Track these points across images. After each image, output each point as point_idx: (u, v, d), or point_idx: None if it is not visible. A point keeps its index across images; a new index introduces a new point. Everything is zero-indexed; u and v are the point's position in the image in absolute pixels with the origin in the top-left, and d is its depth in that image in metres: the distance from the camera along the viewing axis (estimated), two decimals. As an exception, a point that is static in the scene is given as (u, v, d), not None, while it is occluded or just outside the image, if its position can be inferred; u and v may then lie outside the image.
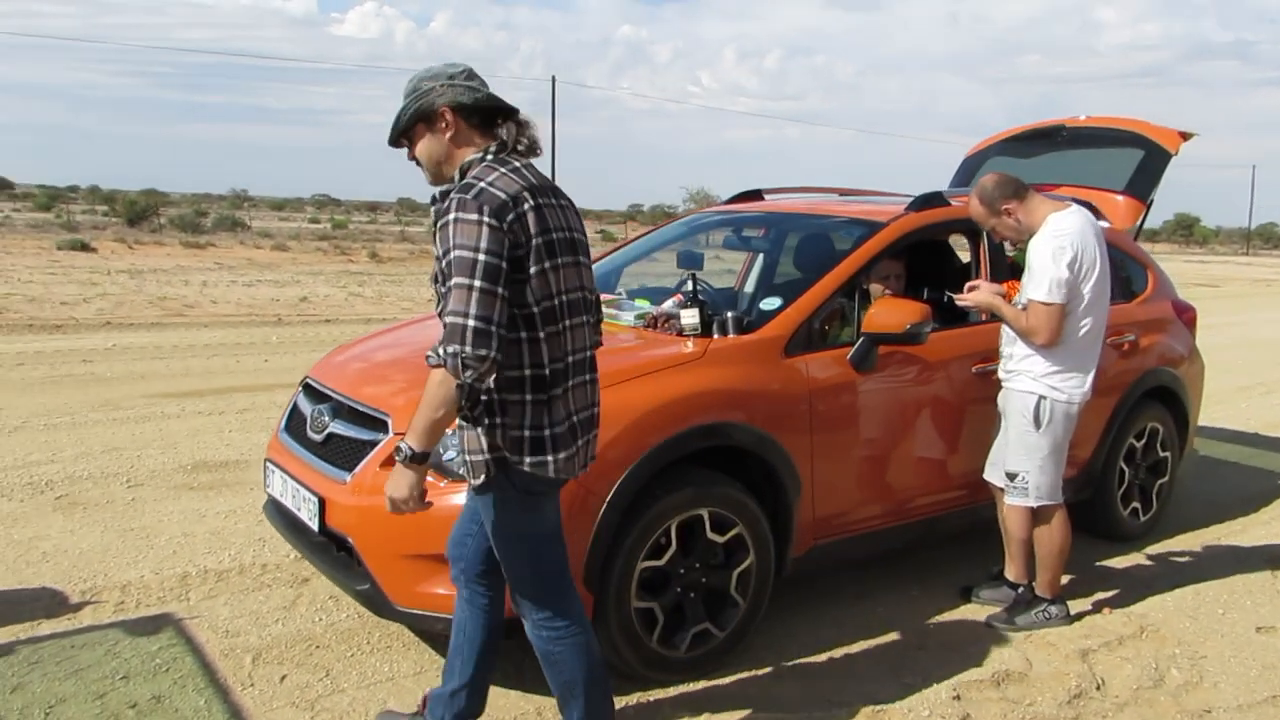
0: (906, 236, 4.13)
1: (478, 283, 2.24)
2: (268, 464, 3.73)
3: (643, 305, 3.96)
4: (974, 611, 4.12)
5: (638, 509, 3.18)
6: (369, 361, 3.87)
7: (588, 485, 3.07)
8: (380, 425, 3.27)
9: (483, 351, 2.24)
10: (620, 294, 4.20)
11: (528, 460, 2.42)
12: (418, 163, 2.52)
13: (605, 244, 41.68)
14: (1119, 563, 4.75)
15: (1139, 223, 5.46)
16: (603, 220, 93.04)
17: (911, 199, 4.34)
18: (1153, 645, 3.76)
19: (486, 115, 2.49)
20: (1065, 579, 4.20)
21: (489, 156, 2.43)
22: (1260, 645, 3.83)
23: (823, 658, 3.64)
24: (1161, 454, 5.13)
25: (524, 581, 2.61)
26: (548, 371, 2.41)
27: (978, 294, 3.87)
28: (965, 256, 4.71)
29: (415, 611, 3.12)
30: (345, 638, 3.63)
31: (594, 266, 4.93)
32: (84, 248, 23.38)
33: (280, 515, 3.66)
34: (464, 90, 2.45)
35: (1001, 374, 3.91)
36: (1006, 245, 4.34)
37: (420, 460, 2.40)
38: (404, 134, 2.49)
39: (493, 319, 2.25)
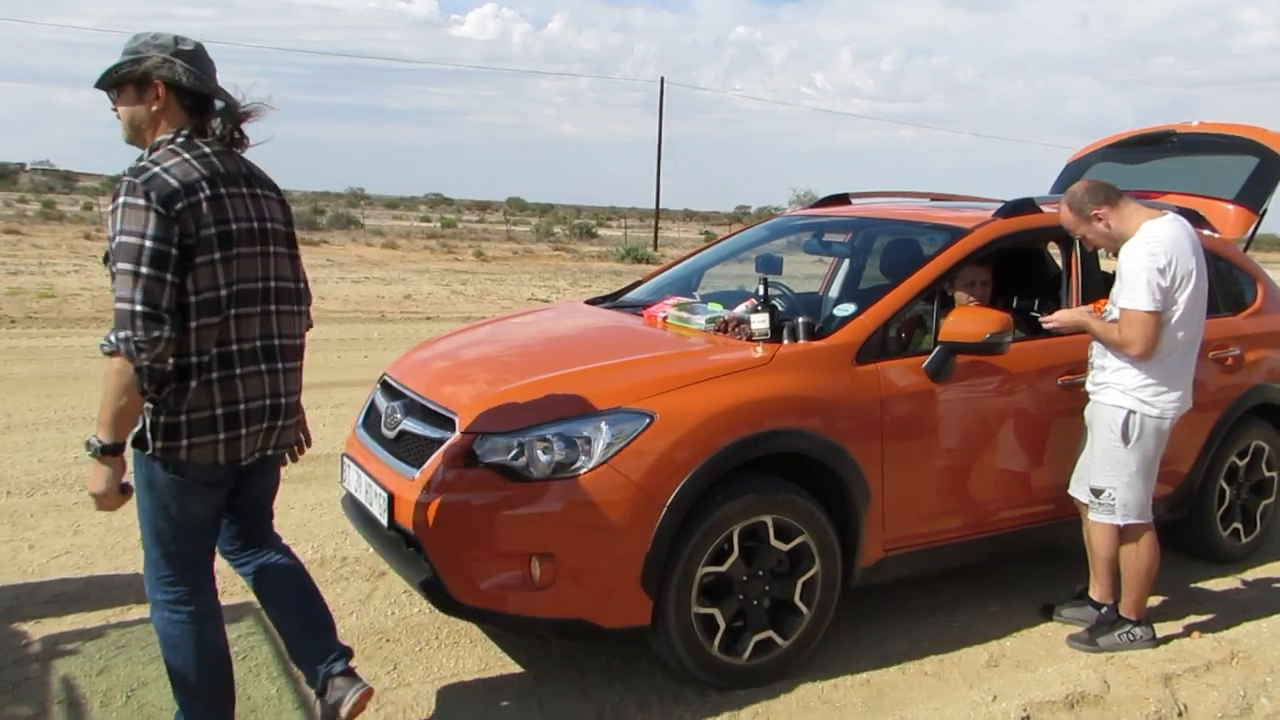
0: (993, 243, 4.01)
1: (144, 269, 2.26)
2: (344, 459, 3.84)
3: (715, 309, 3.94)
4: (1055, 630, 3.98)
5: (699, 514, 3.17)
6: (445, 360, 3.95)
7: (648, 488, 3.08)
8: (449, 424, 3.33)
9: (155, 334, 2.26)
10: (695, 298, 4.20)
11: (161, 445, 2.42)
12: (118, 115, 2.50)
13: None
14: (1214, 585, 4.52)
15: (1250, 233, 5.20)
16: (709, 221, 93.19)
17: (1000, 205, 4.21)
18: (1242, 672, 3.57)
19: (200, 100, 2.49)
20: (1154, 600, 4.03)
21: (178, 140, 2.43)
22: (1363, 679, 3.59)
23: (891, 670, 3.57)
24: (1267, 474, 4.87)
25: (157, 562, 2.60)
26: (193, 360, 2.40)
27: (1064, 314, 3.74)
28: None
29: (477, 607, 3.17)
30: (415, 632, 3.72)
31: (678, 269, 4.99)
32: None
33: (355, 509, 3.77)
34: (184, 72, 2.43)
35: (1090, 386, 3.77)
36: (1101, 254, 4.18)
37: (112, 452, 2.36)
38: (114, 86, 2.48)
39: (160, 304, 2.27)
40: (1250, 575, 4.66)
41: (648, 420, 3.14)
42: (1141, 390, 3.56)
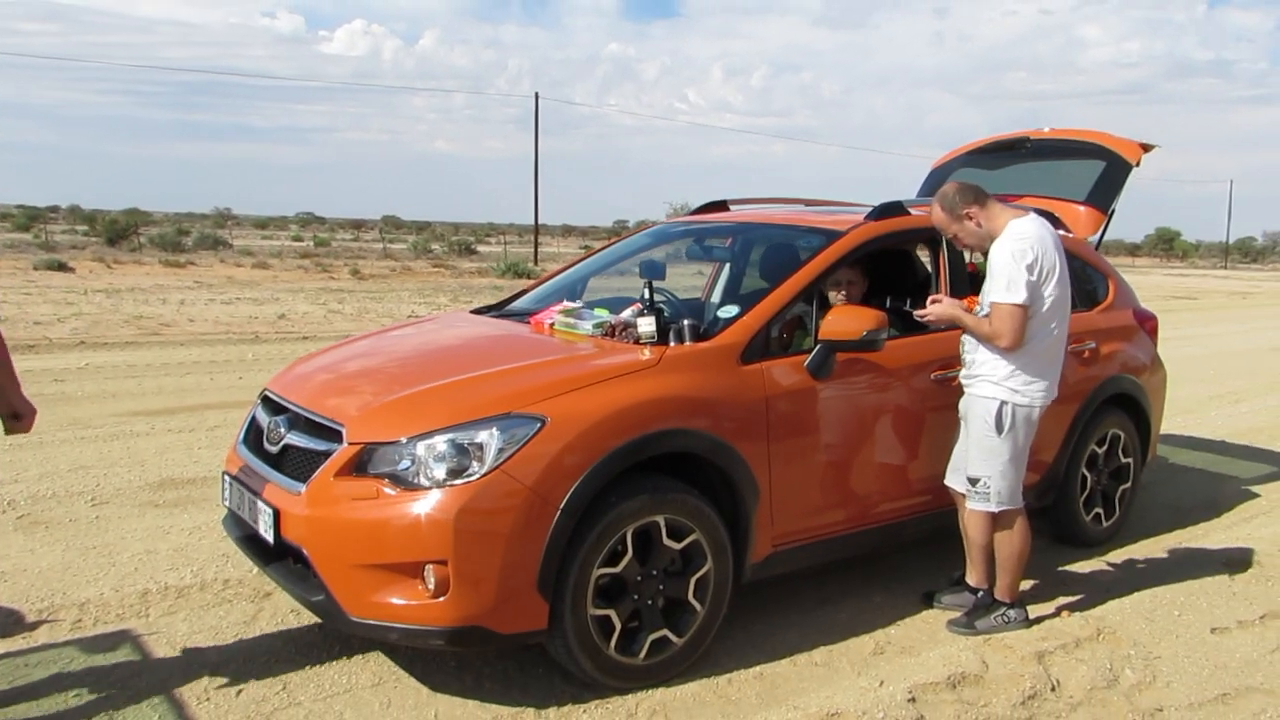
0: (865, 245, 4.16)
1: None
2: (225, 477, 3.72)
3: (601, 315, 3.97)
4: (936, 617, 4.14)
5: (593, 516, 3.19)
6: (329, 373, 3.87)
7: (542, 492, 3.09)
8: (335, 435, 3.27)
9: None
10: (580, 304, 4.22)
11: None
12: None
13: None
14: (1081, 568, 4.78)
15: (1100, 232, 5.53)
16: (588, 236, 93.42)
17: (871, 209, 4.38)
18: (1108, 647, 3.78)
19: None
20: (1027, 584, 4.24)
21: None
22: (1213, 645, 3.85)
23: (783, 662, 3.65)
24: (1124, 460, 5.17)
25: None
26: None
27: (938, 307, 3.90)
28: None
29: (370, 621, 3.11)
30: (305, 651, 3.62)
31: (560, 277, 5.01)
32: (61, 267, 23.26)
33: (238, 528, 3.66)
34: None
35: (963, 379, 3.94)
36: (967, 254, 4.39)
37: None
38: None
39: None
40: (1112, 557, 4.94)
41: (539, 424, 3.14)
42: (1012, 380, 3.75)
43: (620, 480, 3.26)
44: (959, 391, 4.07)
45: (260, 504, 3.38)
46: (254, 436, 3.75)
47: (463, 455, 3.09)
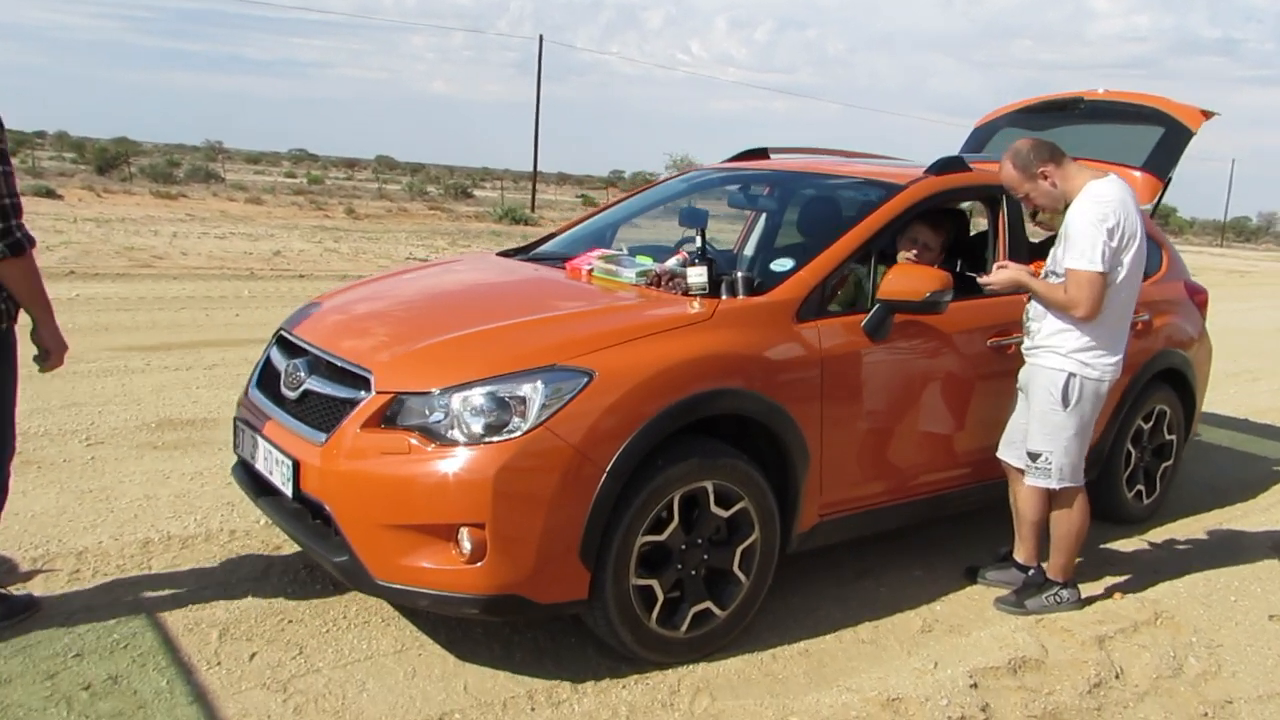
0: (926, 200, 3.89)
1: None
2: (237, 423, 3.47)
3: (645, 262, 3.70)
4: (980, 593, 3.94)
5: (639, 480, 2.95)
6: (349, 314, 3.60)
7: (588, 452, 2.85)
8: (361, 382, 3.01)
9: None
10: (621, 249, 3.94)
11: None
12: None
13: (585, 208, 41.25)
14: (1124, 546, 4.59)
15: (1156, 201, 5.26)
16: (584, 185, 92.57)
17: (931, 162, 4.10)
18: (1168, 633, 3.60)
19: None
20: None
21: None
22: (1274, 634, 3.67)
23: (828, 638, 3.45)
24: (1168, 437, 4.97)
25: None
26: None
27: (1005, 272, 3.65)
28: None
29: (398, 586, 2.88)
30: (320, 612, 3.39)
31: (589, 223, 4.73)
32: (49, 194, 22.75)
33: (251, 479, 3.41)
34: None
35: (1026, 350, 3.71)
36: (1033, 217, 4.13)
37: None
38: None
39: None
40: (1154, 536, 4.75)
41: (586, 379, 2.89)
42: (1082, 353, 3.51)
43: (668, 442, 3.01)
44: (1014, 360, 3.85)
45: (277, 453, 3.13)
46: (269, 380, 3.49)
47: (503, 409, 2.84)
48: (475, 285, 3.89)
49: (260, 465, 3.26)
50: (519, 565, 2.83)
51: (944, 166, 4.06)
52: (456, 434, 2.83)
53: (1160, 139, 5.23)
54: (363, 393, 2.98)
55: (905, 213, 3.81)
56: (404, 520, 2.84)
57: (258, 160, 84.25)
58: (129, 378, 6.59)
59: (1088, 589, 3.93)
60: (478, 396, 2.85)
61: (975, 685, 3.07)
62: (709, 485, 3.12)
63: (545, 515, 2.82)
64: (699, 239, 3.49)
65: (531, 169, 43.28)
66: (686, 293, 3.42)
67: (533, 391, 2.84)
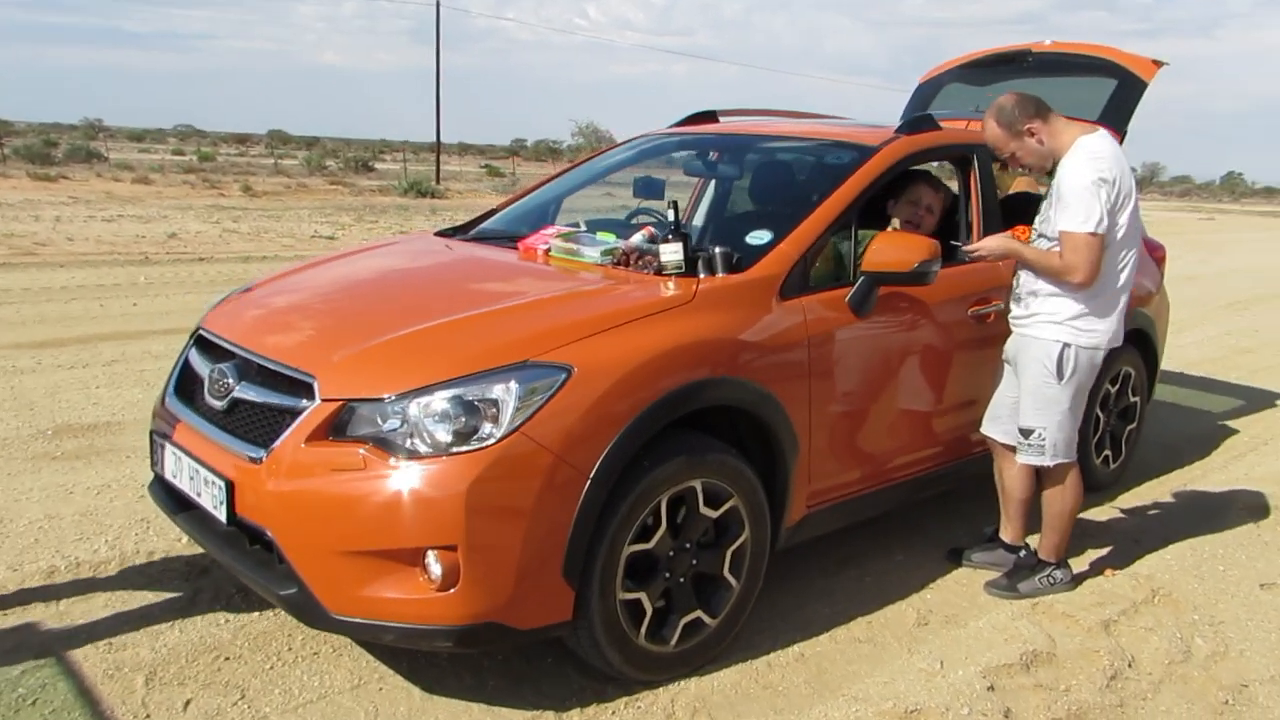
0: (902, 162, 3.64)
1: None
2: (155, 437, 3.03)
3: (608, 239, 3.37)
4: (968, 577, 3.75)
5: (625, 484, 2.64)
6: (280, 307, 3.18)
7: (570, 457, 2.52)
8: (303, 389, 2.62)
9: None
10: (579, 226, 3.59)
11: None
12: None
13: (491, 179, 40.36)
14: (1097, 515, 4.46)
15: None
16: (485, 155, 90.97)
17: (901, 122, 3.84)
18: (1170, 611, 3.45)
19: None
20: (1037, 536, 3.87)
21: None
22: (1269, 606, 3.57)
23: (822, 639, 3.20)
24: (1132, 399, 4.86)
25: None
26: None
27: (991, 240, 3.43)
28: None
29: (357, 620, 2.52)
30: (261, 645, 3.00)
31: (530, 198, 4.36)
32: (-85, 180, 21.18)
33: (173, 500, 2.99)
34: None
35: (1015, 321, 3.49)
36: (1003, 168, 3.91)
37: None
38: None
39: None
40: (1123, 502, 4.64)
41: (564, 375, 2.56)
42: (1077, 320, 3.31)
43: (653, 440, 2.70)
44: (994, 329, 3.65)
45: (206, 473, 2.72)
46: (189, 387, 3.06)
47: (472, 414, 2.49)
48: (421, 271, 3.48)
49: (185, 486, 2.84)
50: (497, 589, 2.49)
51: (915, 125, 3.81)
52: (419, 444, 2.48)
53: (1114, 91, 5.07)
54: (305, 401, 2.59)
55: (882, 176, 3.54)
56: (361, 545, 2.47)
57: (141, 138, 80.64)
58: (17, 379, 5.98)
59: (1075, 566, 3.77)
60: (442, 401, 2.49)
61: (992, 688, 2.86)
62: (697, 484, 2.83)
63: (525, 531, 2.49)
64: (672, 211, 3.15)
65: (433, 140, 42.21)
66: (659, 272, 3.10)
67: (505, 393, 2.50)
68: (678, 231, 3.08)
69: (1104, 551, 3.98)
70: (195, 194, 23.76)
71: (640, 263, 3.18)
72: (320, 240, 15.06)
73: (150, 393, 5.74)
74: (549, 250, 3.40)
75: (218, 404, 2.81)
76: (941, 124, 3.93)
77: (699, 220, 4.76)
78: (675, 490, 2.78)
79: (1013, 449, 3.59)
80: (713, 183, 4.82)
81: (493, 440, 2.46)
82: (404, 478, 2.44)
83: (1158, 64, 5.13)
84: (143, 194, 22.60)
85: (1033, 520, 3.69)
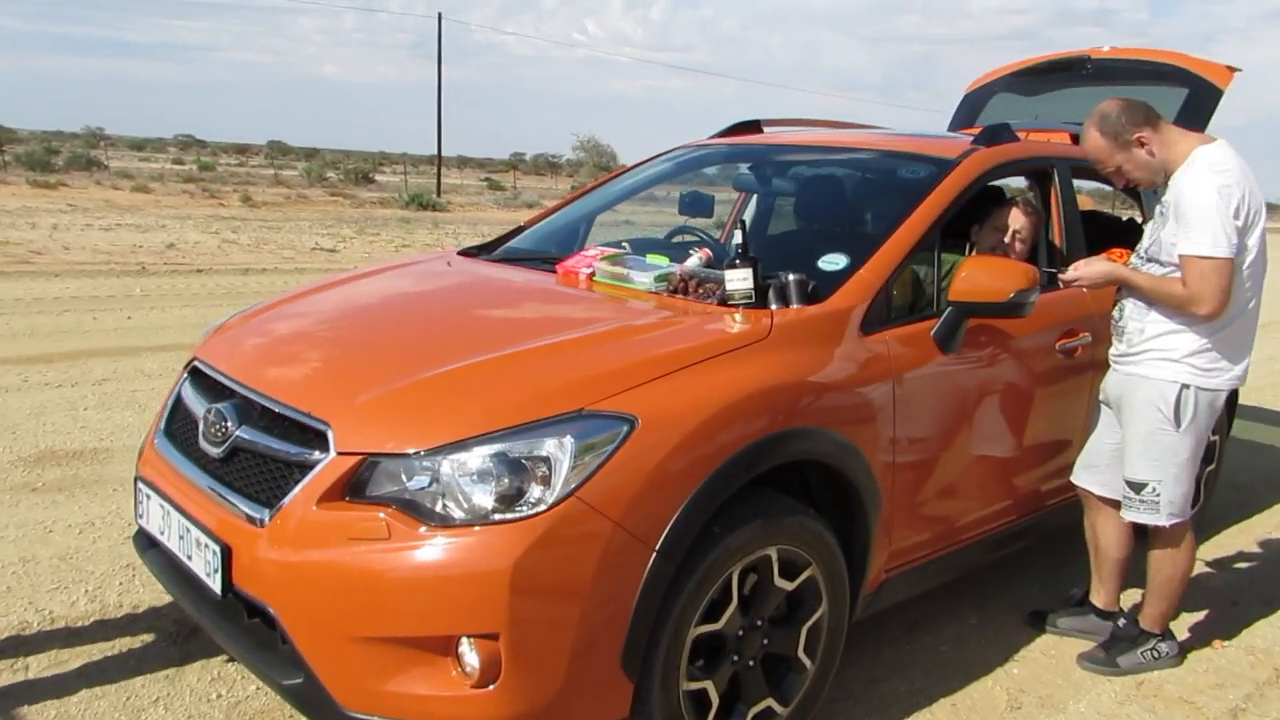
0: (984, 177, 3.23)
1: None
2: (140, 485, 2.62)
3: (660, 263, 2.96)
4: (1055, 646, 3.35)
5: (694, 555, 2.23)
6: (288, 337, 2.77)
7: (634, 526, 2.11)
8: (315, 438, 2.21)
9: None
10: (625, 247, 3.17)
11: None
12: None
13: (492, 192, 39.95)
14: (1182, 569, 4.03)
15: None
16: (484, 168, 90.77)
17: (978, 133, 3.44)
18: (1299, 695, 3.04)
19: None
20: (1128, 594, 3.46)
21: None
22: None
23: (904, 727, 2.78)
24: (1211, 437, 4.44)
25: None
26: None
27: (1094, 266, 3.03)
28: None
29: (374, 718, 2.10)
30: (259, 727, 2.59)
31: (560, 215, 3.95)
32: (-90, 185, 20.79)
33: (162, 559, 2.57)
34: None
35: (1119, 358, 3.09)
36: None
37: None
38: None
39: None
40: (1206, 554, 4.22)
41: (626, 427, 2.15)
42: (1198, 358, 2.90)
43: (726, 503, 2.29)
44: (1083, 365, 3.27)
45: (198, 533, 2.31)
46: (182, 428, 2.65)
47: (518, 475, 2.08)
48: (449, 297, 3.06)
49: (173, 546, 2.43)
50: (544, 685, 2.08)
51: (993, 136, 3.41)
52: (454, 510, 2.07)
53: (1186, 101, 4.68)
54: (318, 453, 2.18)
55: (964, 192, 3.14)
56: (382, 631, 2.06)
57: (142, 147, 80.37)
58: (1, 398, 5.57)
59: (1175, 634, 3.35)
60: (482, 458, 2.08)
61: (1119, 796, 2.44)
62: (773, 552, 2.42)
63: (579, 615, 2.07)
64: (740, 233, 2.73)
65: (431, 152, 41.97)
66: (724, 302, 2.69)
67: (558, 449, 2.09)
68: (746, 256, 2.67)
69: (1200, 616, 3.57)
70: (194, 203, 23.40)
71: (701, 291, 2.77)
72: (321, 252, 14.68)
73: (142, 415, 5.33)
74: (593, 275, 2.99)
75: (214, 451, 2.39)
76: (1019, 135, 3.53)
77: (739, 236, 4.34)
78: (749, 560, 2.37)
79: (1112, 503, 3.19)
80: (754, 199, 4.42)
81: (543, 506, 2.04)
82: (436, 551, 2.02)
83: (1232, 70, 4.74)
84: (142, 203, 22.24)
85: (1129, 580, 3.29)
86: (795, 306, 2.65)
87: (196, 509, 2.35)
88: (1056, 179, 3.55)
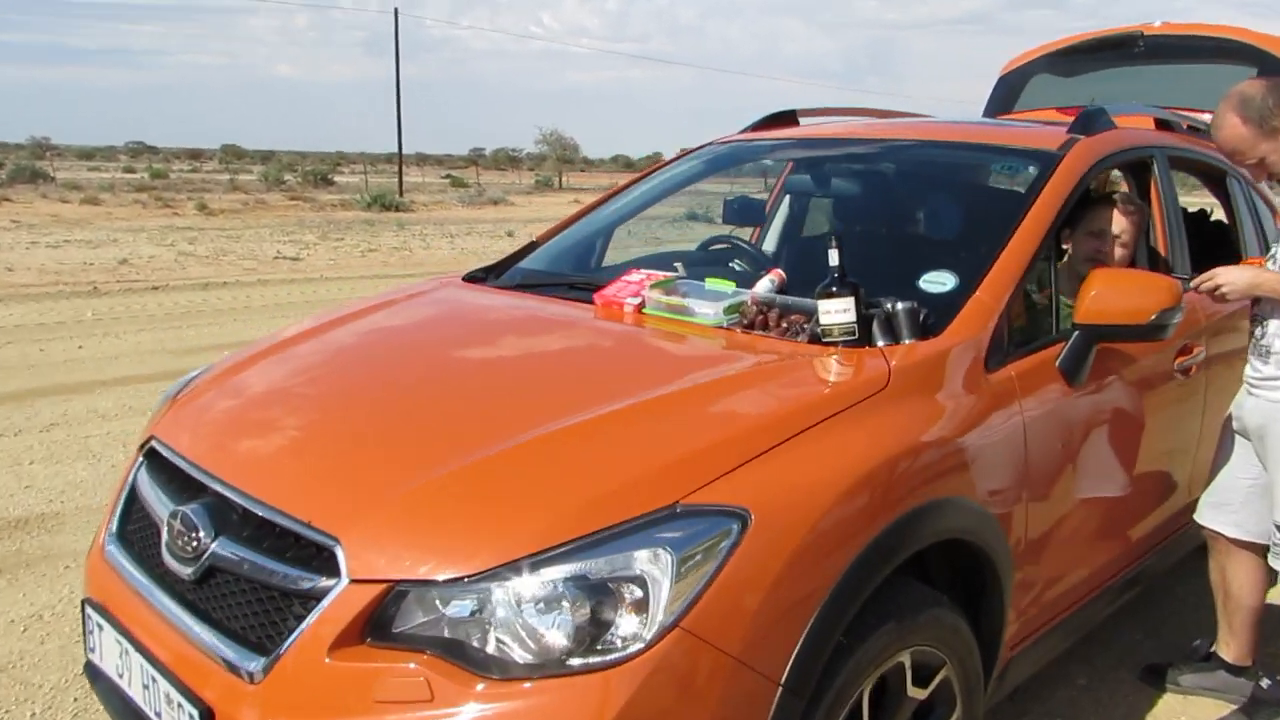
0: (1091, 172, 2.73)
1: None
2: (89, 611, 2.04)
3: (723, 289, 2.42)
4: (1181, 707, 2.89)
5: (824, 681, 1.71)
6: (268, 411, 2.19)
7: (754, 658, 1.59)
8: (320, 557, 1.66)
9: None
10: (677, 270, 2.62)
11: None
12: None
13: (456, 190, 39.04)
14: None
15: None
16: (444, 165, 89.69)
17: (1072, 121, 2.93)
18: None
19: None
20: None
21: None
22: None
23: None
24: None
25: None
26: None
27: (1234, 273, 2.54)
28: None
29: None
30: None
31: (577, 227, 3.39)
32: None
33: (120, 702, 2.00)
34: None
35: (1261, 381, 2.61)
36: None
37: None
38: None
39: None
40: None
41: (737, 525, 1.62)
42: (1361, 383, 2.43)
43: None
44: (1199, 385, 2.80)
45: (166, 686, 1.75)
46: (139, 532, 2.08)
47: (602, 602, 1.54)
48: (469, 346, 2.44)
49: (135, 696, 1.86)
50: None
51: (1090, 123, 2.90)
52: (514, 653, 1.53)
53: (1260, 77, 4.23)
54: (324, 579, 1.63)
55: (1074, 191, 2.63)
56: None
57: (91, 156, 78.64)
58: (-67, 454, 4.94)
59: (1313, 687, 2.89)
60: (550, 582, 1.54)
61: None
62: (906, 658, 1.91)
63: (689, 787, 1.55)
64: (834, 250, 2.18)
65: (389, 151, 41.27)
66: (817, 339, 2.17)
67: (653, 564, 1.55)
68: (843, 280, 2.14)
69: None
70: (148, 214, 22.54)
71: (784, 325, 2.24)
72: (284, 261, 14.02)
73: (97, 469, 4.73)
74: (642, 306, 2.45)
75: (184, 570, 1.83)
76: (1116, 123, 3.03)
77: (770, 244, 3.80)
78: (881, 671, 1.86)
79: (1246, 545, 2.72)
80: (786, 200, 3.87)
81: (640, 645, 1.51)
82: (496, 715, 1.49)
83: (1304, 44, 4.30)
84: (91, 216, 21.36)
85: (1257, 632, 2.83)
86: (907, 343, 2.13)
87: (163, 651, 1.79)
88: (1156, 171, 3.06)
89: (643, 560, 1.55)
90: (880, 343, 2.13)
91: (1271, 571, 2.72)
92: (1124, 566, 2.85)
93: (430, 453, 1.80)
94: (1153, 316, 2.31)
